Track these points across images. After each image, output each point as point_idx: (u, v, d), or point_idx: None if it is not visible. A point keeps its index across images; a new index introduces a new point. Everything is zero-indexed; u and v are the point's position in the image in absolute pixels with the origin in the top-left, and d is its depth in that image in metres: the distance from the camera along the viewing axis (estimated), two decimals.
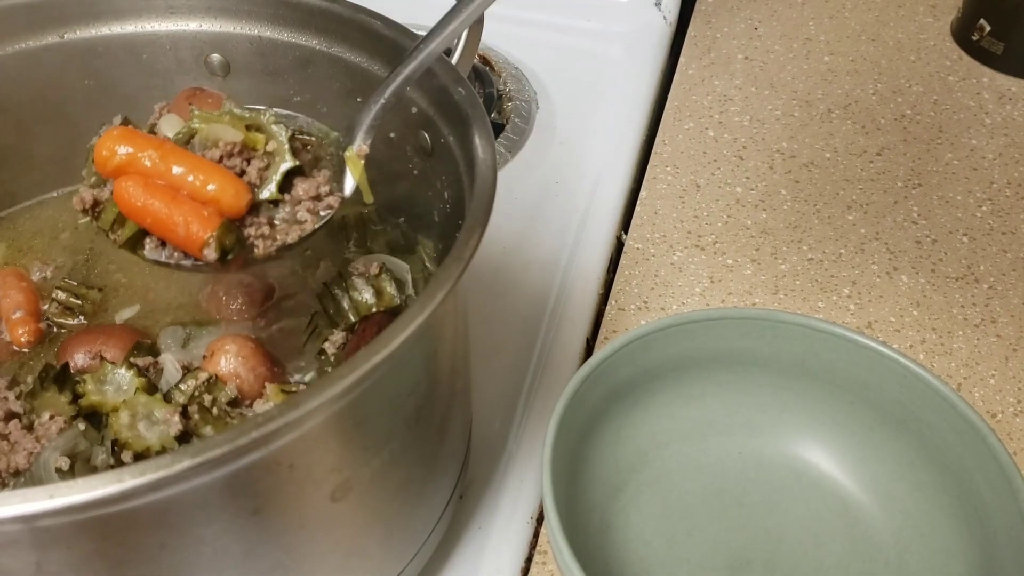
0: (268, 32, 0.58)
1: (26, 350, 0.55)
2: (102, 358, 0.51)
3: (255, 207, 0.48)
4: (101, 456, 0.47)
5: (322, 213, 0.49)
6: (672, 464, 0.59)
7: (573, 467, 0.55)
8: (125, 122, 0.50)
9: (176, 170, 0.47)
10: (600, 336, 0.69)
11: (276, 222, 0.48)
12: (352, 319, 0.54)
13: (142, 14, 0.58)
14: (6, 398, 0.50)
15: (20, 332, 0.55)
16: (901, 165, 0.82)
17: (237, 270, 0.51)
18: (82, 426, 0.48)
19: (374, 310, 0.54)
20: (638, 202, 0.79)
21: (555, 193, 0.80)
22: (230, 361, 0.51)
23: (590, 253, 0.75)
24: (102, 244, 0.60)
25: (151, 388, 0.50)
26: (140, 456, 0.46)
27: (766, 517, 0.57)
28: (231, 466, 0.36)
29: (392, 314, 0.54)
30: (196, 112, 0.49)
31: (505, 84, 0.90)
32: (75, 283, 0.58)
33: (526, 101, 0.87)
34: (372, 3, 0.55)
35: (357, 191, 0.51)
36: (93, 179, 0.50)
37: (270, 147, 0.49)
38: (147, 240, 0.48)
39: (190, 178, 0.46)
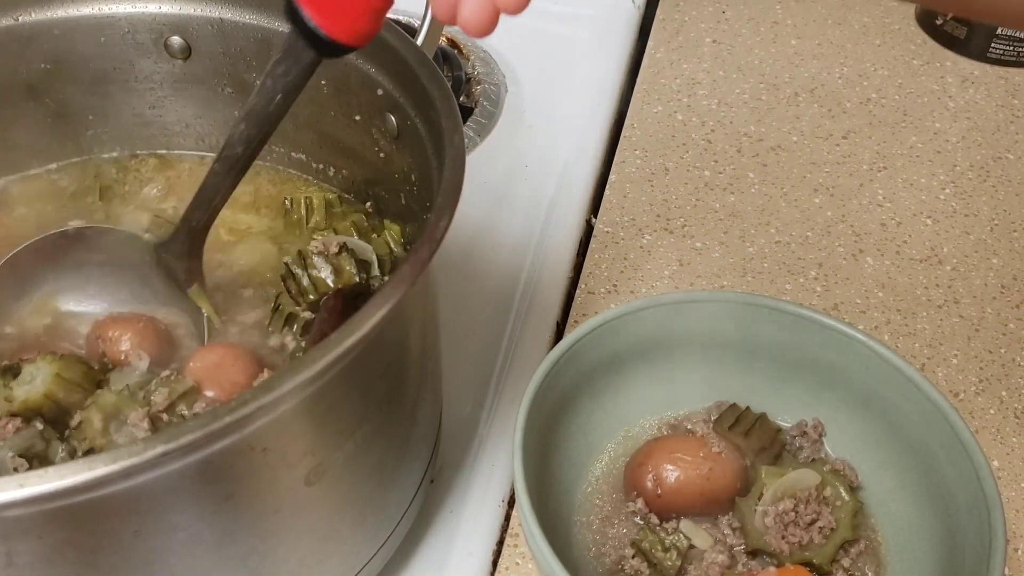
0: (229, 14, 0.57)
1: None
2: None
3: None
4: (61, 455, 0.46)
5: None
6: None
7: (544, 450, 0.55)
8: None
9: None
10: (570, 320, 0.70)
11: None
12: (312, 297, 0.54)
13: None
14: None
15: None
16: (866, 148, 0.83)
17: None
18: (40, 426, 0.47)
19: (332, 287, 0.54)
20: (607, 185, 0.80)
21: (524, 176, 0.80)
22: (226, 369, 0.49)
23: (559, 236, 0.75)
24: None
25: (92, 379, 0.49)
26: None
27: None
28: (204, 451, 0.35)
29: (352, 293, 0.54)
30: None
31: (474, 67, 0.89)
32: None
33: (495, 84, 0.87)
34: None
35: None
36: None
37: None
38: None
39: None
